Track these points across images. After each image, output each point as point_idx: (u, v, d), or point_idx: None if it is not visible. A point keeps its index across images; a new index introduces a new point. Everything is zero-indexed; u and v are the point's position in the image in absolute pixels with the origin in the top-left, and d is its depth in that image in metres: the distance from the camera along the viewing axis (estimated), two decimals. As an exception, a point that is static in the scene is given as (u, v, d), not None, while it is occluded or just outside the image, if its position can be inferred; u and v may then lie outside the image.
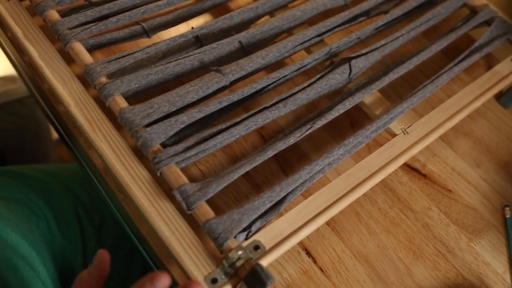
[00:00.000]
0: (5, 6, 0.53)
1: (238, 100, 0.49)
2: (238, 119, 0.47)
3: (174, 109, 0.46)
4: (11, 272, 0.46)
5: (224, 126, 0.46)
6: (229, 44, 0.53)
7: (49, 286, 0.48)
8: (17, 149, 0.85)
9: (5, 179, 0.58)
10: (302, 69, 0.53)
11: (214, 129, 0.46)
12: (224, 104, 0.48)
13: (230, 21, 0.56)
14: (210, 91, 0.48)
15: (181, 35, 0.53)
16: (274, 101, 0.49)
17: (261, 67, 0.53)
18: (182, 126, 0.45)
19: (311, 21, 0.62)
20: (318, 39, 0.57)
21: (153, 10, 0.54)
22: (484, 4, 0.64)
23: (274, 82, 0.51)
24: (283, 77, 0.52)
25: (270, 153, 0.45)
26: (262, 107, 0.48)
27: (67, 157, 1.13)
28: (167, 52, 0.53)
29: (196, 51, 0.52)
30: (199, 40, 0.55)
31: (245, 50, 0.55)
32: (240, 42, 0.54)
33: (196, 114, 0.46)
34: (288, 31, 0.59)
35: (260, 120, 0.47)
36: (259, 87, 0.50)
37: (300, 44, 0.55)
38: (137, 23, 0.54)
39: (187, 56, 0.51)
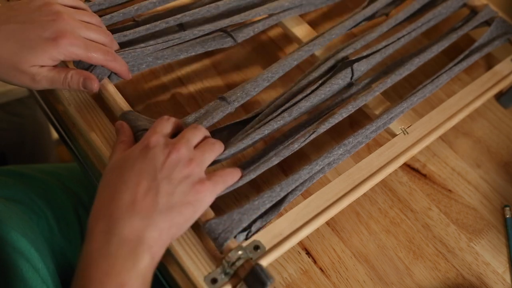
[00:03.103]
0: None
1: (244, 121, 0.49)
2: (244, 133, 0.47)
3: None
4: (10, 268, 0.46)
5: (230, 141, 0.46)
6: (211, 30, 0.53)
7: (49, 283, 0.47)
8: (17, 149, 0.85)
9: (5, 179, 0.58)
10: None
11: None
12: (229, 129, 0.48)
13: (216, 10, 0.55)
14: (215, 120, 0.48)
15: (164, 21, 0.52)
16: (279, 111, 0.49)
17: (268, 83, 0.52)
18: None
19: (308, 20, 0.62)
20: (322, 51, 0.57)
21: (148, 7, 0.54)
22: (484, 4, 0.64)
23: (283, 120, 0.49)
24: (290, 105, 0.50)
25: (274, 159, 0.45)
26: (268, 118, 0.48)
27: (67, 157, 1.13)
28: (146, 36, 0.53)
29: (177, 35, 0.52)
30: (182, 28, 0.55)
31: (231, 35, 0.55)
32: (224, 28, 0.54)
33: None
34: (282, 27, 0.59)
35: (266, 131, 0.47)
36: (276, 126, 0.48)
37: (306, 54, 0.55)
38: (133, 19, 0.54)
39: (166, 41, 0.51)
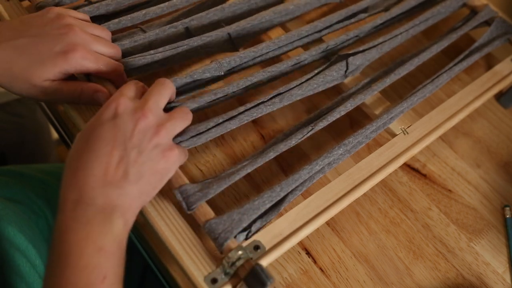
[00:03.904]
0: (5, 6, 0.53)
1: (233, 92, 0.49)
2: (234, 113, 0.46)
3: None
4: (6, 263, 0.46)
5: (221, 120, 0.46)
6: (217, 36, 0.53)
7: None
8: (17, 149, 0.84)
9: (5, 179, 0.58)
10: (298, 65, 0.53)
11: (210, 123, 0.45)
12: (219, 95, 0.47)
13: (221, 12, 0.55)
14: (206, 74, 0.48)
15: (171, 26, 0.52)
16: (270, 96, 0.49)
17: (256, 56, 0.52)
18: None
19: (308, 19, 0.62)
20: (315, 36, 0.57)
21: (156, 13, 0.54)
22: (484, 4, 0.64)
23: (270, 76, 0.51)
24: (279, 71, 0.52)
25: (271, 154, 0.45)
26: (258, 101, 0.48)
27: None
28: (155, 41, 0.53)
29: (185, 41, 0.52)
30: (189, 31, 0.55)
31: (233, 42, 0.55)
32: (229, 34, 0.54)
33: (190, 104, 0.45)
34: (280, 25, 0.59)
35: (255, 114, 0.47)
36: (255, 80, 0.50)
37: (297, 39, 0.55)
38: (137, 27, 0.54)
39: (174, 48, 0.51)
